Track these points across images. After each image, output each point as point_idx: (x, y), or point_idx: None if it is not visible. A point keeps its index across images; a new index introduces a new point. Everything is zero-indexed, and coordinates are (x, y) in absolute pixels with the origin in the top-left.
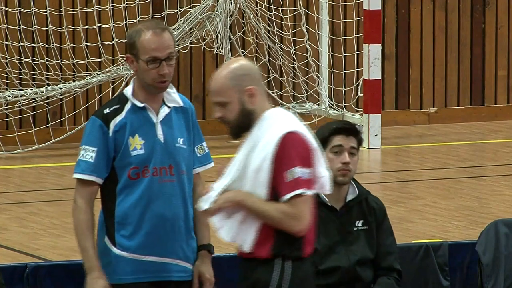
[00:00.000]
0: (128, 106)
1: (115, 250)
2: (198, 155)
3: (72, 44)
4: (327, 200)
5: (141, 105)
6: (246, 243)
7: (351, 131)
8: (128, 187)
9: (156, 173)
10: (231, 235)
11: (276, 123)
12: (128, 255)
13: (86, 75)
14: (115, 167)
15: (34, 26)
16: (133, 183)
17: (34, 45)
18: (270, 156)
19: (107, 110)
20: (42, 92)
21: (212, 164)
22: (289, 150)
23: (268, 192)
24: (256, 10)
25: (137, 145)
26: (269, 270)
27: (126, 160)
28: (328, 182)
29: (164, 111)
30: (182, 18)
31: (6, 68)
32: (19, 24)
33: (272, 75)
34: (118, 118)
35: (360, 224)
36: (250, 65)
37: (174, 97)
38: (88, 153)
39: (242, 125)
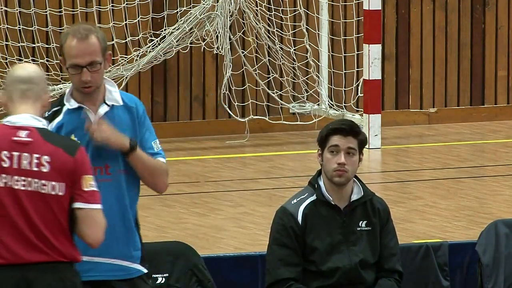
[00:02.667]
0: (66, 107)
1: None
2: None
3: None
4: (331, 199)
5: (76, 105)
6: None
7: (349, 131)
8: None
9: None
10: None
11: None
12: None
13: None
14: None
15: (34, 26)
16: None
17: (34, 45)
18: None
19: (46, 114)
20: None
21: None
22: None
23: None
24: (256, 10)
25: None
26: None
27: None
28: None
29: (103, 109)
30: (182, 18)
31: (6, 68)
32: (19, 24)
33: (272, 75)
34: (57, 120)
35: (363, 225)
36: (12, 71)
37: (115, 96)
38: None
39: None
